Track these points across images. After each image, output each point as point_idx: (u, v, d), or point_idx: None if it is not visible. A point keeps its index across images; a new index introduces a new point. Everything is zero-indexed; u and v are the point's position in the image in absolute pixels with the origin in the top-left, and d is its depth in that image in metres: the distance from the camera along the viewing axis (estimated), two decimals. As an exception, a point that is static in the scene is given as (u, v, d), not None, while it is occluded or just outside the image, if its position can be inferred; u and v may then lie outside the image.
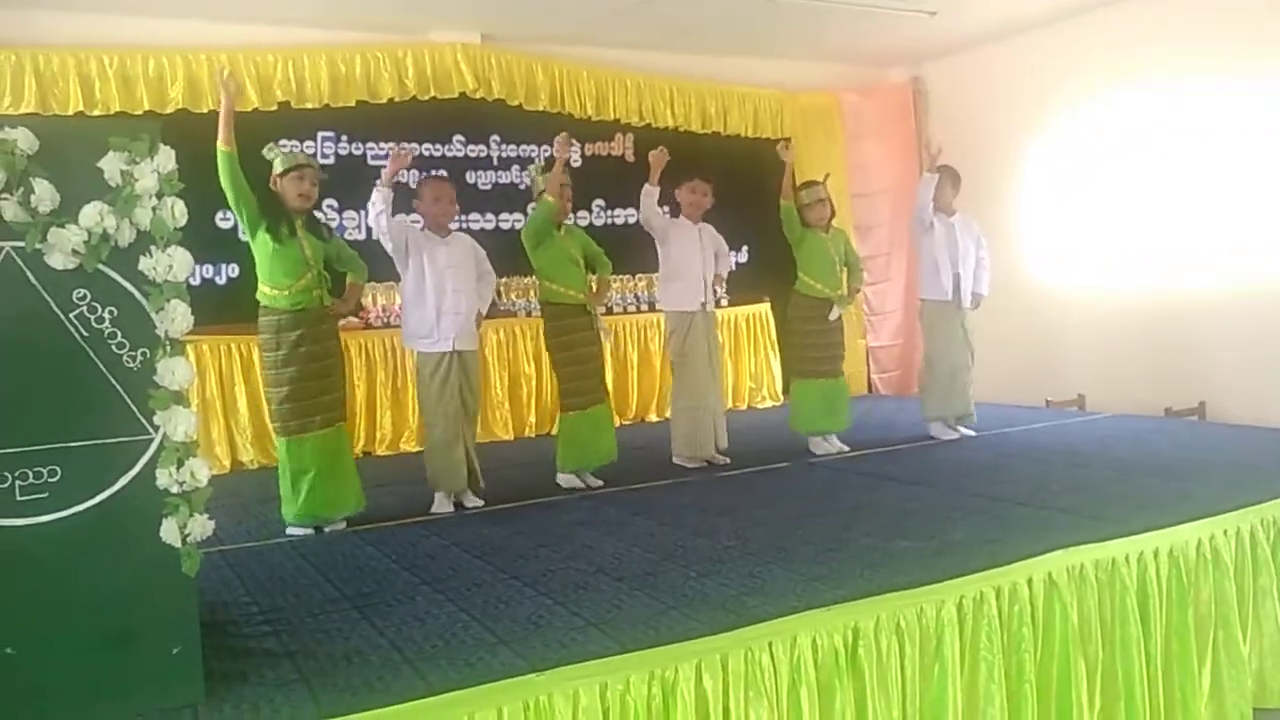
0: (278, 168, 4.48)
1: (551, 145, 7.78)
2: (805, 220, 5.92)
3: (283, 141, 6.81)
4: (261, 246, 4.42)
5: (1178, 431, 6.12)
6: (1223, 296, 6.86)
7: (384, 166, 7.38)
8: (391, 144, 7.25)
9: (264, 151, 4.52)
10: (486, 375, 7.27)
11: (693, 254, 5.74)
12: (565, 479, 5.32)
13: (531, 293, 7.62)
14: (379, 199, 4.70)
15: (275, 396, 4.48)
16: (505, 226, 7.73)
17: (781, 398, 8.42)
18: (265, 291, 4.46)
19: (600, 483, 5.28)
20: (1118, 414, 6.89)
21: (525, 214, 7.79)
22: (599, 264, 5.53)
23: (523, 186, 7.76)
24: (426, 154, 7.45)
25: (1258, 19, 6.57)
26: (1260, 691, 3.96)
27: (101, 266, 2.50)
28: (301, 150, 6.86)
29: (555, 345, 5.38)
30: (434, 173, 6.95)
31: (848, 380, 6.27)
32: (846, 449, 5.92)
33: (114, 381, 2.53)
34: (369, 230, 7.24)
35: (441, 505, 4.86)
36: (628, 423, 7.82)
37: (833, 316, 5.94)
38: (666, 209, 6.06)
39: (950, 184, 6.16)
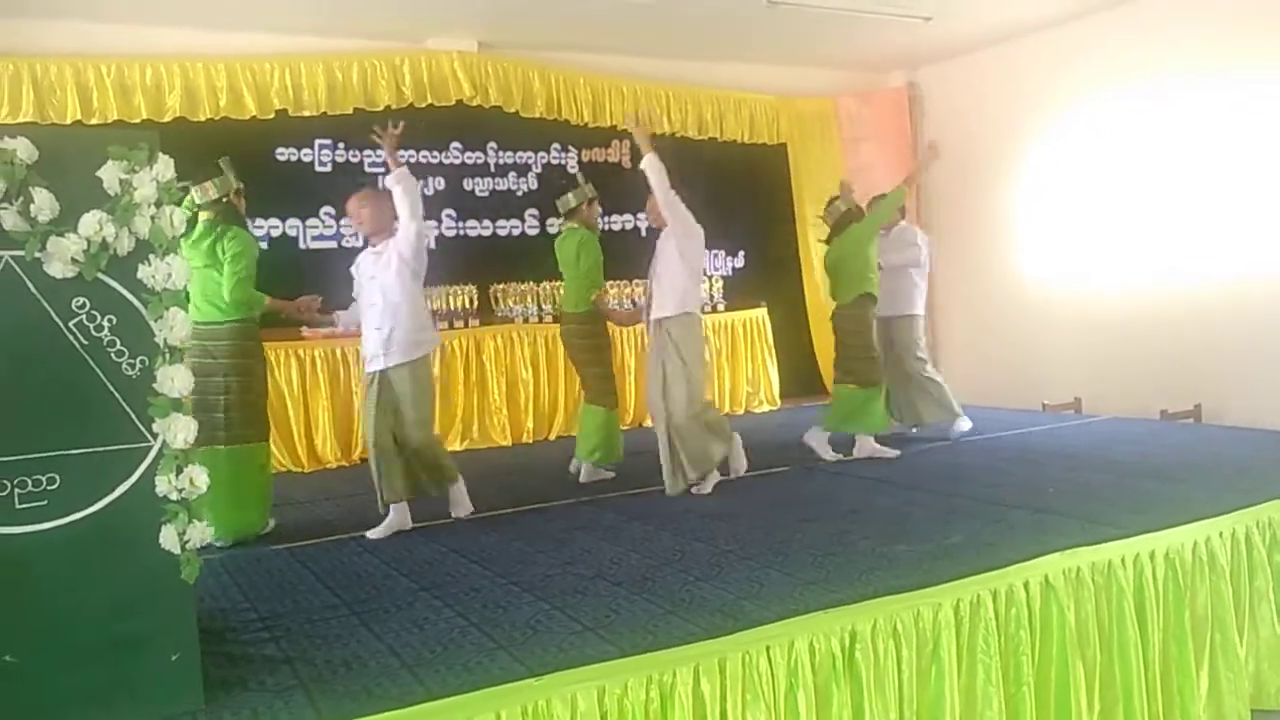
0: (235, 184, 4.52)
1: (548, 152, 7.90)
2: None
3: (279, 149, 6.89)
4: (254, 263, 4.51)
5: (1173, 434, 6.13)
6: (1218, 299, 6.88)
7: (381, 174, 7.42)
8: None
9: (220, 162, 4.53)
10: (484, 381, 7.28)
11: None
12: (595, 471, 5.50)
13: (529, 299, 7.65)
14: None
15: (257, 404, 4.60)
16: (502, 233, 7.75)
17: (779, 402, 8.43)
18: (254, 302, 4.53)
19: (613, 473, 5.45)
20: (1114, 417, 6.91)
21: (522, 220, 7.83)
22: None
23: (520, 194, 7.79)
24: (424, 161, 7.47)
25: (1250, 22, 6.61)
26: (1257, 693, 3.97)
27: (100, 275, 2.52)
28: (299, 157, 6.95)
29: (600, 346, 5.59)
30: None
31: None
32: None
33: (113, 389, 2.54)
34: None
35: (389, 524, 4.52)
36: (626, 428, 7.81)
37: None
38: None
39: None
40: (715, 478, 5.11)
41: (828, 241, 5.97)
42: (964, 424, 6.32)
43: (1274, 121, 6.56)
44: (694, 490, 5.02)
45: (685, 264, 5.02)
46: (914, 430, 6.42)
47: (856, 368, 5.81)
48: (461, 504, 4.76)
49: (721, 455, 5.12)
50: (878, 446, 5.81)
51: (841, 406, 5.89)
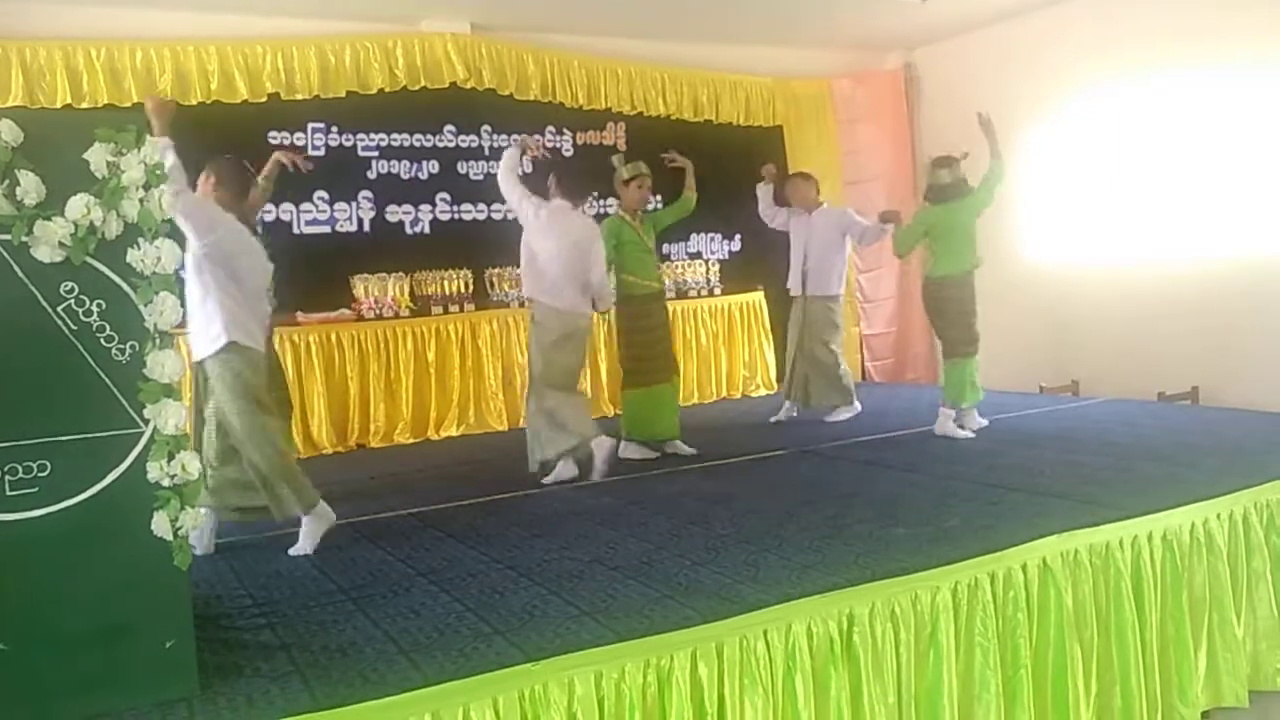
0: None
1: (543, 135, 7.80)
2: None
3: (271, 133, 6.84)
4: None
5: (1171, 416, 6.12)
6: (1215, 281, 6.87)
7: (375, 157, 7.33)
8: (382, 134, 7.27)
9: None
10: (479, 366, 7.25)
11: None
12: (631, 448, 5.53)
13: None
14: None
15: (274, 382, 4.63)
16: (497, 217, 7.70)
17: (775, 386, 8.42)
18: None
19: (656, 454, 5.51)
20: (1111, 399, 6.90)
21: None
22: (680, 208, 5.94)
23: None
24: (418, 145, 7.43)
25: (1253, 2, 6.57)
26: (1255, 674, 3.97)
27: (89, 259, 2.48)
28: (292, 141, 6.90)
29: (627, 329, 5.61)
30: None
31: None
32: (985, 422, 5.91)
33: (103, 375, 2.51)
34: (360, 222, 7.29)
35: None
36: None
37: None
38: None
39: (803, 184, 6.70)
40: (568, 470, 5.08)
41: (930, 200, 5.89)
42: (845, 413, 6.56)
43: (1272, 101, 6.54)
44: (544, 480, 5.08)
45: (527, 253, 5.29)
46: (795, 413, 6.65)
47: (974, 336, 5.79)
48: (304, 544, 4.02)
49: (560, 449, 5.02)
50: (956, 428, 5.79)
51: (961, 379, 5.78)
